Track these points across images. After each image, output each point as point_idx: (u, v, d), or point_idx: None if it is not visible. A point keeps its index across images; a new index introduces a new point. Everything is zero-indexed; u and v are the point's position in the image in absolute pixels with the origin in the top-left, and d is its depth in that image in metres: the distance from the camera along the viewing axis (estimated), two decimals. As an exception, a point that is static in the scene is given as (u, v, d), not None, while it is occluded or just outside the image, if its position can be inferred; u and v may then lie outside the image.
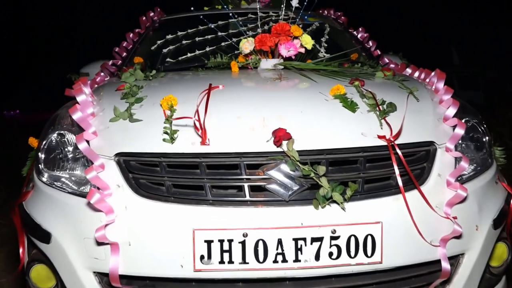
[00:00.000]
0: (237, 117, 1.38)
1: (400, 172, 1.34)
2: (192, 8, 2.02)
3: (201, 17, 2.26)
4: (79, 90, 1.52)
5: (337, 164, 1.35)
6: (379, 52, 2.69)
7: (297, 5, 1.93)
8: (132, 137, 1.39)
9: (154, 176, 1.34)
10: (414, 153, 1.42)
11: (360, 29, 2.85)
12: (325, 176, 1.26)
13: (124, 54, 2.60)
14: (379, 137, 1.36)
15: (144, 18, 2.88)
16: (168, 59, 2.40)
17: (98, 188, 1.31)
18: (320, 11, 3.22)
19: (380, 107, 1.45)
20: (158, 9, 3.05)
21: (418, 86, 1.68)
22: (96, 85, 2.19)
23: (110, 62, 2.56)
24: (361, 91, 1.54)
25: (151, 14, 2.97)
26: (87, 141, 1.42)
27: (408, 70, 2.30)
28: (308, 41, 1.85)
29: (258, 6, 3.15)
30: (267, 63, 1.90)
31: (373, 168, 1.36)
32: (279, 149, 1.30)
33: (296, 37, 1.87)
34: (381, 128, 1.39)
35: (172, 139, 1.34)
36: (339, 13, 3.11)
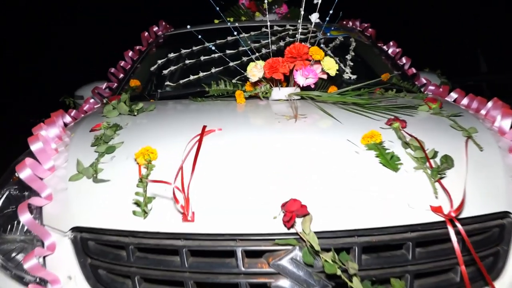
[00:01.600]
0: (234, 181, 0.99)
1: (465, 260, 0.91)
2: (188, 27, 1.66)
3: (199, 36, 1.86)
4: (35, 138, 1.16)
5: (374, 250, 0.94)
6: (414, 71, 2.25)
7: (318, 21, 1.53)
8: (94, 205, 1.02)
9: (118, 265, 0.96)
10: (482, 230, 0.99)
11: (391, 43, 2.42)
12: (357, 274, 0.85)
13: (121, 75, 2.24)
14: (433, 209, 0.94)
15: (146, 33, 2.53)
16: (167, 83, 2.03)
17: (44, 282, 0.95)
18: (344, 22, 2.80)
19: (432, 162, 1.03)
20: (163, 23, 2.70)
21: (477, 125, 1.25)
22: (82, 115, 1.86)
23: (104, 85, 2.21)
24: (403, 137, 1.12)
25: (155, 29, 2.61)
26: (40, 208, 1.06)
27: (453, 95, 1.86)
28: (331, 66, 1.44)
29: (268, 19, 2.78)
30: (279, 93, 1.50)
31: (426, 256, 0.94)
32: (291, 230, 0.90)
33: (316, 61, 1.46)
34: (436, 196, 0.97)
35: (145, 212, 0.96)
36: (365, 25, 2.68)
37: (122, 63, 2.30)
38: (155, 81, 2.23)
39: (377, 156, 1.03)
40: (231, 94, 1.64)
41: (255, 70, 1.45)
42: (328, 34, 2.33)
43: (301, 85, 1.44)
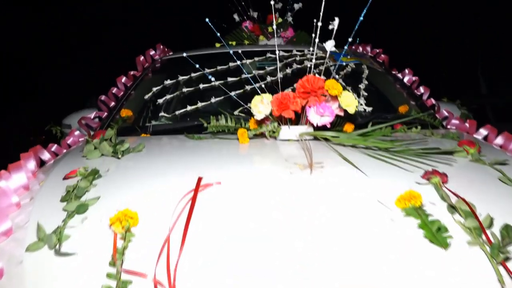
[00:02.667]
0: (236, 262, 0.75)
1: None
2: (184, 54, 1.44)
3: (197, 65, 1.65)
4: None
5: None
6: (433, 101, 2.03)
7: (333, 49, 1.31)
8: (54, 289, 0.78)
9: None
10: None
11: (407, 71, 2.21)
12: None
13: (112, 104, 2.02)
14: (500, 305, 0.70)
15: (142, 58, 2.32)
16: (161, 114, 1.81)
17: None
18: (353, 47, 2.60)
19: (489, 234, 0.80)
20: (161, 46, 2.49)
21: (530, 177, 1.02)
22: (64, 151, 1.63)
23: (93, 115, 1.99)
24: (447, 198, 0.89)
25: (152, 52, 2.41)
26: (-14, 287, 0.82)
27: (483, 132, 1.64)
28: (350, 103, 1.22)
29: (273, 43, 2.58)
30: (289, 133, 1.27)
31: None
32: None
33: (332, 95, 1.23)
34: (502, 286, 0.73)
35: (116, 305, 0.71)
36: (377, 50, 2.48)
37: (114, 90, 2.08)
38: (150, 110, 2.01)
39: (420, 228, 0.80)
40: (232, 131, 1.41)
41: (261, 106, 1.22)
42: (340, 61, 2.12)
43: (315, 125, 1.21)
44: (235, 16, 2.70)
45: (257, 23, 2.64)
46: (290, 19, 2.60)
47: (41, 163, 1.52)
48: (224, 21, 2.73)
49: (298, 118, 1.32)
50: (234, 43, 2.62)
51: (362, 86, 1.97)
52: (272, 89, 1.86)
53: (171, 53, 2.58)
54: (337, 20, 1.29)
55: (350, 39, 1.28)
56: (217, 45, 2.64)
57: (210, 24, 1.54)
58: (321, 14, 1.25)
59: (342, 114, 1.29)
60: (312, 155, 1.09)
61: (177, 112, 1.80)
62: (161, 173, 1.06)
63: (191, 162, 1.14)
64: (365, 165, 1.05)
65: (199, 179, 0.95)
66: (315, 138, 1.27)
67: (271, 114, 1.26)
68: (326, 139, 1.24)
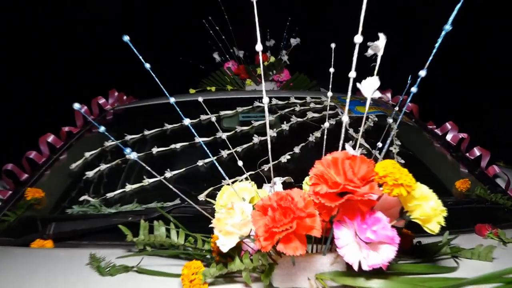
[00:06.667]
0: None
1: None
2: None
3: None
4: None
5: None
6: (497, 170, 1.34)
7: (378, 95, 0.64)
8: None
9: None
10: None
11: (449, 125, 1.53)
12: None
13: (25, 176, 1.31)
14: None
15: (85, 108, 1.64)
16: (84, 197, 1.10)
17: None
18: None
19: None
20: (116, 93, 1.82)
21: None
22: None
23: (-12, 194, 1.26)
24: None
25: (101, 101, 1.73)
26: None
27: None
28: (432, 213, 0.53)
29: (264, 89, 1.95)
30: (293, 276, 0.56)
31: None
32: None
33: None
34: None
35: None
36: (400, 97, 1.82)
37: (32, 155, 1.38)
38: (77, 188, 1.29)
39: None
40: (181, 253, 0.70)
41: (230, 222, 0.51)
42: (355, 111, 1.47)
43: (356, 267, 0.50)
44: (215, 56, 2.07)
45: (243, 64, 2.01)
46: (285, 58, 1.96)
47: None
48: (202, 61, 2.10)
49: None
50: (213, 88, 1.97)
51: (394, 149, 1.30)
52: (262, 153, 1.20)
53: (134, 102, 1.92)
54: (382, 38, 0.62)
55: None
56: (192, 91, 1.99)
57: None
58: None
59: (403, 226, 0.59)
60: None
61: (108, 195, 1.09)
62: None
63: None
64: None
65: None
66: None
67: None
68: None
